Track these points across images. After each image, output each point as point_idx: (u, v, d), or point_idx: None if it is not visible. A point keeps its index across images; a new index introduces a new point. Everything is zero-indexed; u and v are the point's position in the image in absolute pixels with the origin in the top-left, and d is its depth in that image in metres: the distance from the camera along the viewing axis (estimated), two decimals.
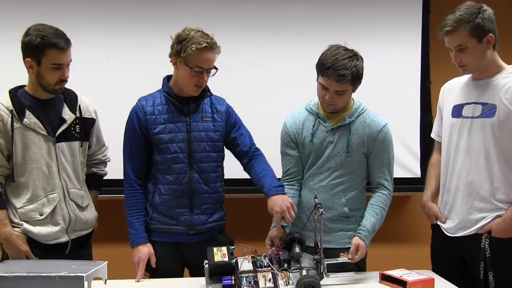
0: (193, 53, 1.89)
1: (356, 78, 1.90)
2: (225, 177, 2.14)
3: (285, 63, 2.95)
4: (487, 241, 1.86)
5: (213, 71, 1.97)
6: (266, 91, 2.94)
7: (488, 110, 1.86)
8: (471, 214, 1.91)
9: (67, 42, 1.89)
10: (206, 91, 2.05)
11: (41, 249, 1.94)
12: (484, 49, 1.84)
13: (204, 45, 1.89)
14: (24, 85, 1.97)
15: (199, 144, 2.00)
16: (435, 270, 2.02)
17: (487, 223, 1.88)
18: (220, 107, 2.07)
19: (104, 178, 2.23)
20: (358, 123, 2.00)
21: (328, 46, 1.95)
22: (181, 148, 1.99)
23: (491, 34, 1.83)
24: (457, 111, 1.97)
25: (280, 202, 1.85)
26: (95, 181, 2.17)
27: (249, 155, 2.08)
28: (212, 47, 1.92)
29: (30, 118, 1.91)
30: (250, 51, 2.96)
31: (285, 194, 1.92)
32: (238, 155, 2.11)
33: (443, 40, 1.88)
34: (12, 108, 1.89)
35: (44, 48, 1.84)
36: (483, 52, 1.84)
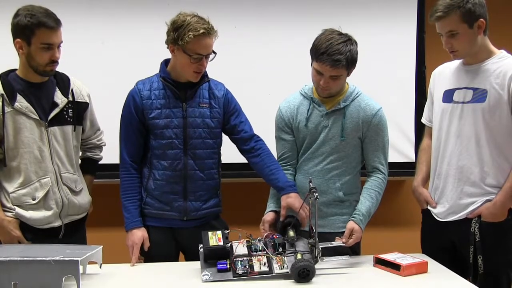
0: (191, 40, 1.85)
1: (350, 62, 1.89)
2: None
3: (278, 46, 2.93)
4: (477, 225, 1.88)
5: (211, 55, 1.94)
6: (260, 75, 2.92)
7: (479, 95, 1.86)
8: (462, 199, 1.92)
9: (57, 21, 1.86)
10: (204, 77, 2.02)
11: (34, 234, 1.93)
12: (475, 34, 1.84)
13: (201, 31, 1.85)
14: (15, 69, 1.94)
15: (195, 130, 1.98)
16: (425, 254, 2.02)
17: (477, 207, 1.89)
18: (218, 92, 2.04)
19: (100, 162, 2.21)
20: (353, 107, 2.00)
21: (322, 31, 1.93)
22: (177, 134, 1.97)
23: (482, 19, 1.82)
24: (448, 96, 1.97)
25: (298, 205, 1.87)
26: (90, 166, 2.16)
27: (251, 143, 2.05)
28: (209, 32, 1.88)
29: (21, 102, 1.88)
30: (244, 34, 2.93)
31: (298, 193, 1.94)
32: (238, 141, 2.07)
33: None
34: (3, 92, 1.86)
35: (34, 28, 1.81)
36: (474, 37, 1.84)
